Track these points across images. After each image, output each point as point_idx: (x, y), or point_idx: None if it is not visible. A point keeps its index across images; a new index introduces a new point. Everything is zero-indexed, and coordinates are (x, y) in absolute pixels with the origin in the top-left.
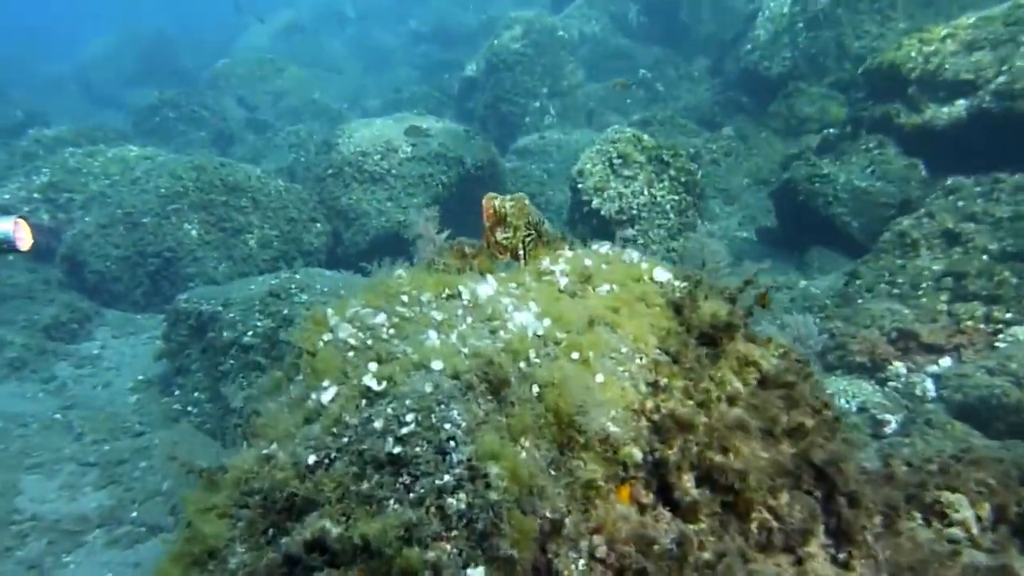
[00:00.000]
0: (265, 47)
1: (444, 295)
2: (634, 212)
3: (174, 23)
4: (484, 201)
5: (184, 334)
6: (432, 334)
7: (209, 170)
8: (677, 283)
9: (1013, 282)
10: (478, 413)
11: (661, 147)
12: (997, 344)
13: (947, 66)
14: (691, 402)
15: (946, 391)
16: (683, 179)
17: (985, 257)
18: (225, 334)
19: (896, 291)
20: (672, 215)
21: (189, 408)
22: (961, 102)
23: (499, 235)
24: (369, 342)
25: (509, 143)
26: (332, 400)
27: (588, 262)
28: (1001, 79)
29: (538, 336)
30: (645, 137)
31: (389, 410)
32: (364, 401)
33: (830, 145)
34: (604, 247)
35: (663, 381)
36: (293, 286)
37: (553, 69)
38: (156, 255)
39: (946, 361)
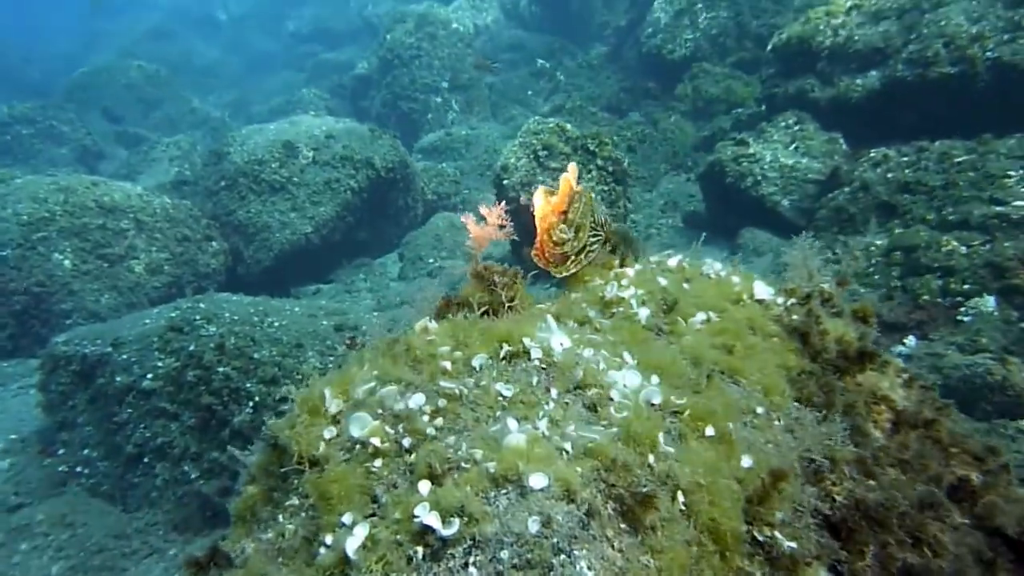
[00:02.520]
0: (129, 55)
1: (503, 355)
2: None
3: (10, 31)
4: (535, 197)
5: (65, 382)
6: (511, 423)
7: (79, 191)
8: (782, 300)
9: (963, 251)
10: (615, 559)
11: (586, 136)
12: (960, 318)
13: (856, 37)
14: (870, 480)
15: (921, 372)
16: (611, 168)
17: (926, 228)
18: (118, 379)
19: (843, 269)
20: (603, 206)
21: (78, 469)
22: (874, 73)
23: (555, 238)
24: (405, 442)
25: (413, 141)
26: (363, 549)
27: (664, 282)
28: (912, 47)
29: (654, 406)
30: (568, 127)
31: (473, 571)
32: (422, 552)
33: (743, 125)
34: (674, 259)
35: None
36: (198, 316)
37: (452, 62)
38: (22, 292)
39: (911, 340)
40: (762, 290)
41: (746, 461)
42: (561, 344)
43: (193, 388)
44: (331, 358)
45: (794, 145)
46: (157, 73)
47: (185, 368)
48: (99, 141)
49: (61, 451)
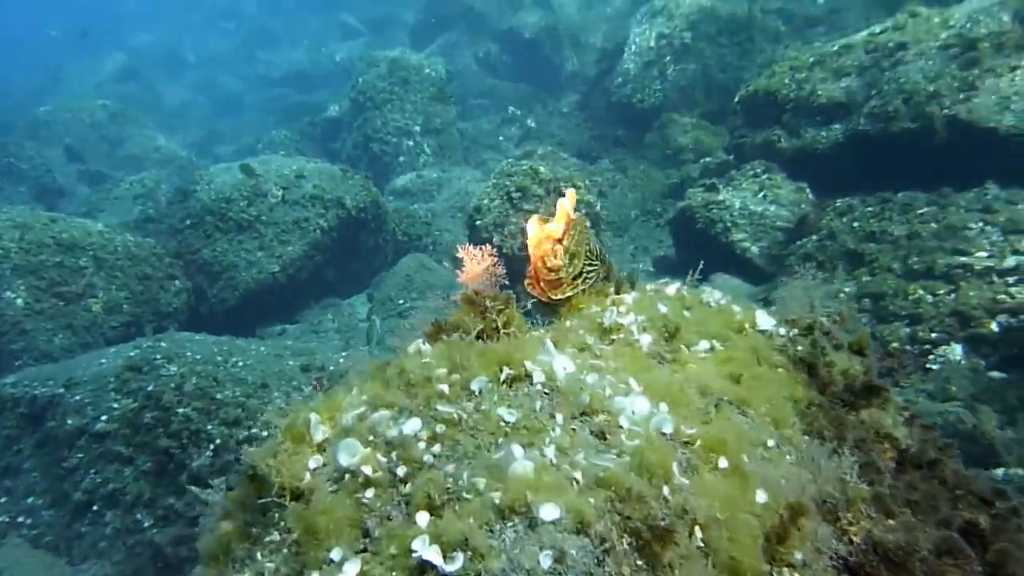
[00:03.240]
0: (95, 93)
1: (504, 378)
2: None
3: None
4: (530, 224)
5: (11, 425)
6: (516, 450)
7: (36, 228)
8: (783, 331)
9: (929, 300)
10: None
11: (559, 179)
12: (929, 366)
13: (820, 92)
14: (888, 520)
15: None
16: (583, 212)
17: (892, 278)
18: (70, 421)
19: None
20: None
21: (20, 519)
22: (837, 126)
23: (550, 265)
24: (399, 470)
25: (384, 183)
26: None
27: (664, 309)
28: (873, 102)
29: (664, 435)
30: (542, 169)
31: None
32: None
33: (711, 173)
34: (672, 287)
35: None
36: (158, 356)
37: (424, 107)
38: None
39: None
40: (765, 320)
41: (761, 496)
42: (564, 368)
43: (150, 430)
44: (298, 399)
45: (762, 193)
46: (123, 112)
47: (143, 409)
48: (59, 179)
49: (3, 499)
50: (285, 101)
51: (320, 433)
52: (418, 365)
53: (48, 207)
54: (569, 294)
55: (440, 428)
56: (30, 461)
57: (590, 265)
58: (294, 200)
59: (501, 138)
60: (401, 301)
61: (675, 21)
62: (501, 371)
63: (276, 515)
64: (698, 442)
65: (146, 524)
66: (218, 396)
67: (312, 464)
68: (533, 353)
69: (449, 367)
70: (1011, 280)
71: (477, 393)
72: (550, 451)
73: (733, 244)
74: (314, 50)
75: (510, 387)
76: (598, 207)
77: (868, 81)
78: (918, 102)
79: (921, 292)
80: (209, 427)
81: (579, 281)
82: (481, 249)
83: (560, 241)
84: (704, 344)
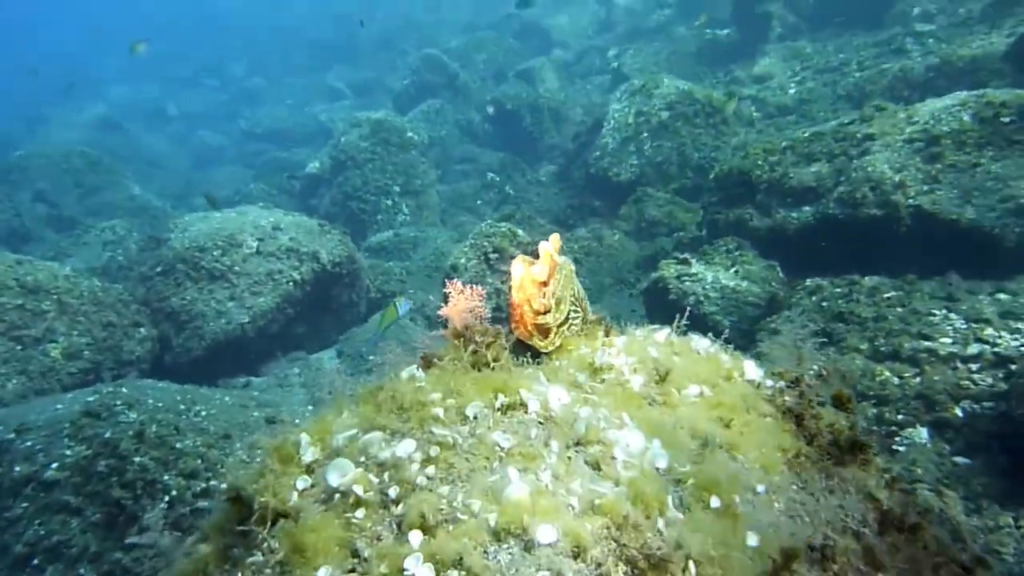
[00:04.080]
0: (73, 141)
1: (499, 405)
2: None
3: None
4: (515, 265)
5: None
6: (512, 473)
7: (0, 269)
8: (771, 382)
9: (895, 382)
10: None
11: (536, 242)
12: (896, 447)
13: (791, 175)
14: (879, 574)
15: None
16: (561, 274)
17: (860, 358)
18: (17, 468)
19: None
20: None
21: None
22: (807, 208)
23: (536, 307)
24: (391, 491)
25: (361, 241)
26: None
27: (654, 353)
28: (842, 188)
29: (658, 470)
30: (520, 232)
31: None
32: None
33: (684, 247)
34: (662, 332)
35: (819, 540)
36: (119, 402)
37: (405, 168)
38: None
39: (923, 432)
40: (752, 370)
41: (752, 539)
42: (559, 399)
43: (103, 479)
44: (259, 451)
45: (734, 268)
46: (100, 160)
47: (97, 457)
48: (28, 223)
49: None
50: (265, 156)
51: (310, 454)
52: (412, 389)
53: (12, 250)
54: (558, 343)
55: (434, 450)
56: None
57: (574, 311)
58: (269, 251)
59: (479, 202)
60: (372, 357)
61: (654, 100)
62: (496, 398)
63: (259, 536)
64: (691, 480)
65: None
66: (178, 445)
67: (300, 485)
68: (528, 383)
69: (444, 392)
70: (974, 367)
71: (472, 418)
72: (546, 476)
73: (705, 317)
74: (297, 109)
75: (505, 414)
76: (573, 269)
77: (837, 168)
78: (884, 190)
79: (888, 374)
80: (166, 477)
81: (565, 328)
82: (470, 287)
83: (545, 284)
84: (694, 388)
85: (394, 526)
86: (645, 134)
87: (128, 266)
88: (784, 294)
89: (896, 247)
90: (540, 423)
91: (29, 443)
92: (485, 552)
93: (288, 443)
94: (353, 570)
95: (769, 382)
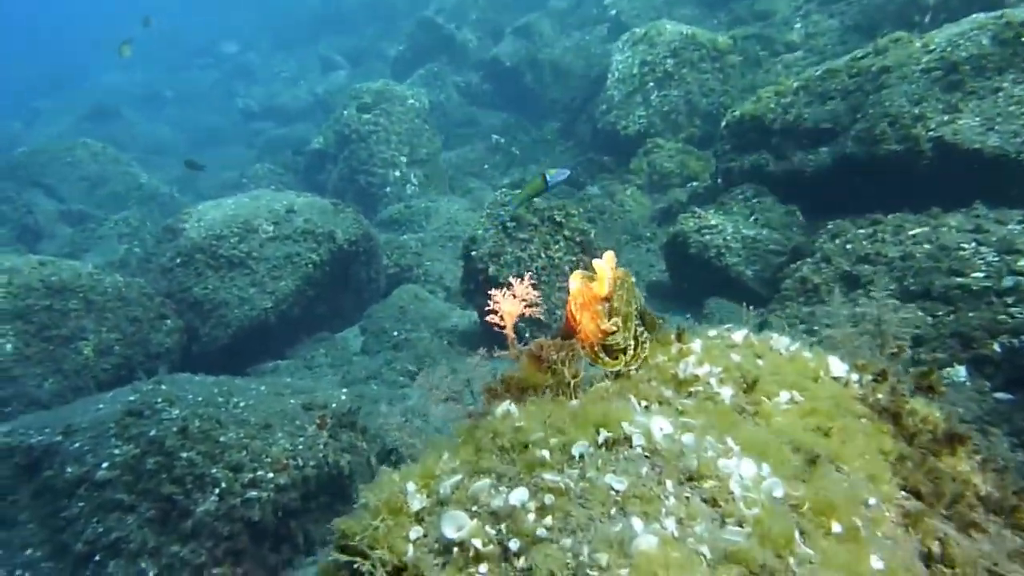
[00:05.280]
0: (71, 133)
1: (602, 441)
2: (534, 277)
3: None
4: (572, 281)
5: (6, 475)
6: (636, 522)
7: (25, 272)
8: (856, 376)
9: (929, 321)
10: None
11: (552, 207)
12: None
13: (806, 116)
14: None
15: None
16: (578, 239)
17: (892, 299)
18: (69, 470)
19: (813, 339)
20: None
21: (18, 572)
22: (825, 149)
23: (604, 327)
24: (512, 544)
25: (371, 215)
26: None
27: (737, 358)
28: (859, 126)
29: (776, 499)
30: (536, 198)
31: None
32: None
33: (699, 198)
34: (738, 333)
35: (936, 548)
36: (159, 399)
37: (410, 137)
38: None
39: (960, 370)
40: (838, 367)
41: (877, 563)
42: (662, 429)
43: (153, 476)
44: (301, 439)
45: (753, 217)
46: (104, 150)
47: (145, 455)
48: (41, 220)
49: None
50: (266, 135)
51: (417, 502)
52: (511, 429)
53: (29, 249)
54: (633, 367)
55: (549, 498)
56: (26, 512)
57: (640, 325)
58: (285, 235)
59: (486, 166)
60: (396, 333)
61: (657, 48)
62: (598, 433)
63: None
64: (806, 505)
65: (151, 573)
66: (221, 439)
67: (413, 535)
68: (628, 414)
69: (544, 431)
70: (1009, 300)
71: (578, 458)
72: (670, 523)
73: (728, 268)
74: (293, 84)
75: (610, 450)
76: (592, 234)
77: (853, 105)
78: (904, 125)
79: (920, 313)
80: (213, 471)
81: (640, 350)
82: (512, 285)
83: (607, 300)
84: (785, 395)
85: None
86: (651, 84)
87: (146, 258)
88: (807, 239)
89: (919, 182)
90: (647, 457)
91: (77, 444)
92: None
93: (394, 492)
94: None
95: (855, 376)
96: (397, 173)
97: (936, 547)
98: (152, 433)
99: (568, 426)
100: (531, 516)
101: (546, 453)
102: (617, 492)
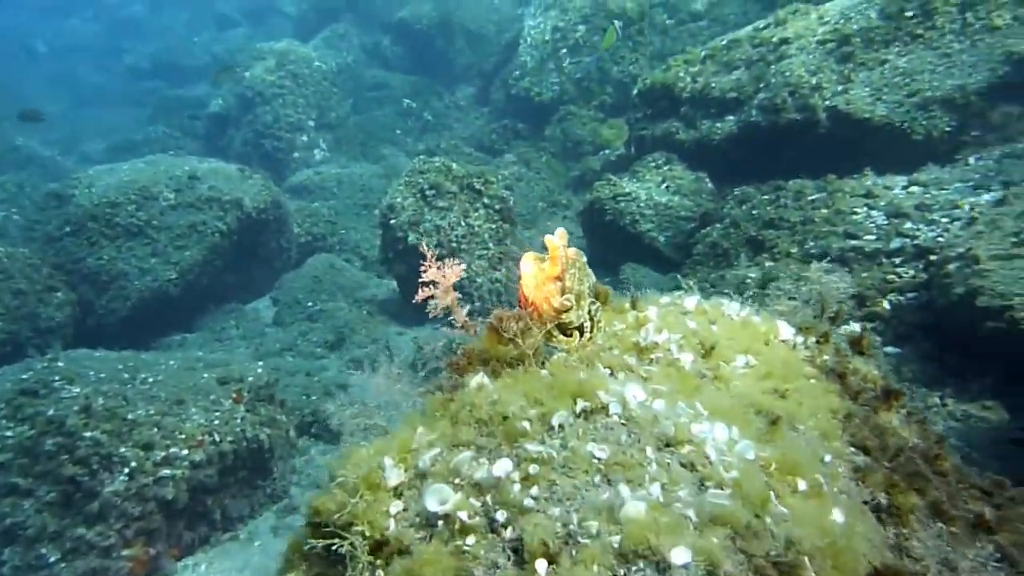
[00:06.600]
0: None
1: (579, 411)
2: (454, 244)
3: None
4: (523, 262)
5: None
6: (624, 489)
7: None
8: (801, 339)
9: (825, 281)
10: None
11: (472, 175)
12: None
13: (713, 84)
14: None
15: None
16: (497, 206)
17: (794, 261)
18: None
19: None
20: (491, 244)
21: None
22: (731, 117)
23: (557, 305)
24: (499, 515)
25: (279, 181)
26: None
27: (693, 324)
28: (762, 95)
29: (749, 461)
30: (455, 165)
31: None
32: None
33: (613, 165)
34: (690, 300)
35: (883, 499)
36: (56, 377)
37: (318, 101)
38: None
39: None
40: (786, 330)
41: (839, 516)
42: (635, 397)
43: (53, 458)
44: (217, 414)
45: (665, 184)
46: None
47: (43, 436)
48: None
49: None
50: (158, 95)
51: (395, 477)
52: (487, 401)
53: None
54: (588, 348)
55: (533, 468)
56: None
57: (592, 304)
58: (188, 203)
59: (398, 131)
60: (310, 303)
61: (569, 15)
62: (576, 403)
63: (359, 566)
64: (773, 465)
65: (52, 559)
66: (130, 416)
67: (393, 510)
68: (604, 383)
69: (522, 402)
70: (897, 261)
71: (558, 429)
72: (655, 489)
73: (642, 235)
74: (187, 40)
75: (587, 420)
76: (511, 202)
77: (756, 75)
78: (802, 94)
79: (821, 275)
80: (122, 450)
81: (595, 330)
82: (446, 263)
83: (559, 279)
84: (741, 359)
85: (508, 552)
86: (564, 51)
87: (28, 226)
88: (716, 205)
89: (817, 148)
90: (623, 424)
91: None
92: None
93: (372, 465)
94: None
95: (800, 339)
96: (305, 138)
97: (884, 499)
98: (50, 413)
99: (545, 397)
100: (516, 487)
101: (527, 424)
102: (600, 460)
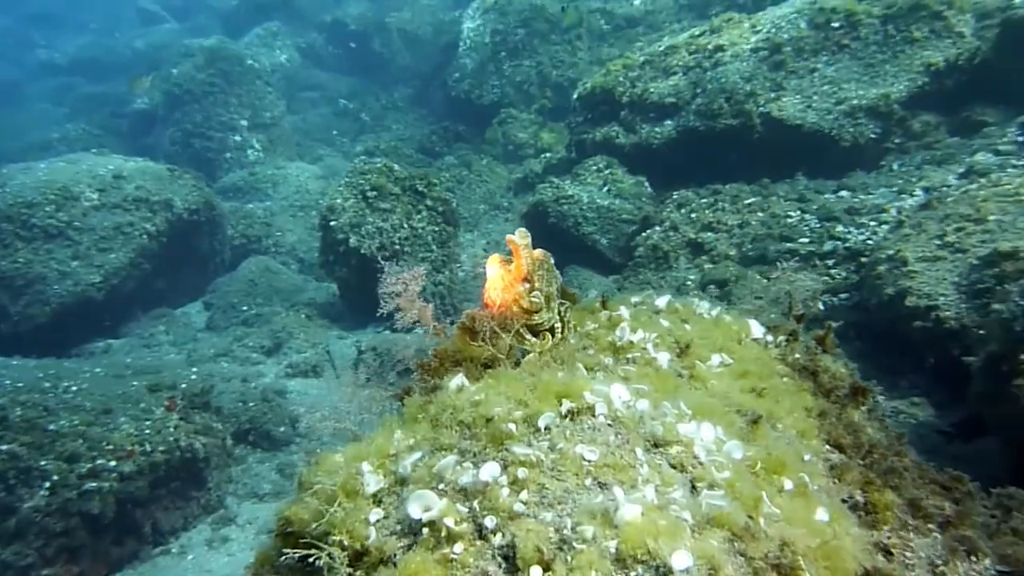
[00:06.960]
0: None
1: (565, 412)
2: (396, 247)
3: None
4: (490, 265)
5: None
6: (618, 492)
7: None
8: (771, 338)
9: (765, 283)
10: None
11: (414, 177)
12: None
13: (652, 89)
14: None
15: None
16: (440, 209)
17: (732, 263)
18: None
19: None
20: (435, 247)
21: None
22: (669, 122)
23: (527, 306)
24: (488, 522)
25: (211, 182)
26: None
27: (666, 324)
28: (699, 100)
29: (737, 461)
30: (396, 167)
31: None
32: None
33: (554, 168)
34: (661, 299)
35: (860, 497)
36: None
37: (251, 100)
38: None
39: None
40: (757, 329)
41: (822, 515)
42: (620, 396)
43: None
44: (147, 423)
45: (606, 188)
46: None
47: None
48: None
49: None
50: (76, 91)
51: (374, 483)
52: (468, 403)
53: None
54: (560, 349)
55: (522, 472)
56: None
57: (561, 304)
58: (114, 203)
59: (335, 132)
60: (245, 308)
61: (508, 18)
62: (561, 404)
63: None
64: (758, 464)
65: None
66: (51, 427)
67: (373, 518)
68: (588, 383)
69: (506, 404)
70: (830, 263)
71: (544, 431)
72: (649, 491)
73: (585, 237)
74: (107, 34)
75: (574, 421)
76: (454, 204)
77: (693, 80)
78: (738, 100)
79: (757, 276)
80: (43, 463)
81: (565, 330)
82: (407, 272)
83: (527, 280)
84: (716, 358)
85: (499, 559)
86: (503, 53)
87: None
88: (655, 209)
89: (752, 154)
90: (610, 425)
91: None
92: None
93: (349, 472)
94: None
95: (770, 338)
96: (237, 138)
97: (859, 496)
98: None
99: (529, 398)
100: (505, 491)
101: (512, 426)
102: (590, 462)
